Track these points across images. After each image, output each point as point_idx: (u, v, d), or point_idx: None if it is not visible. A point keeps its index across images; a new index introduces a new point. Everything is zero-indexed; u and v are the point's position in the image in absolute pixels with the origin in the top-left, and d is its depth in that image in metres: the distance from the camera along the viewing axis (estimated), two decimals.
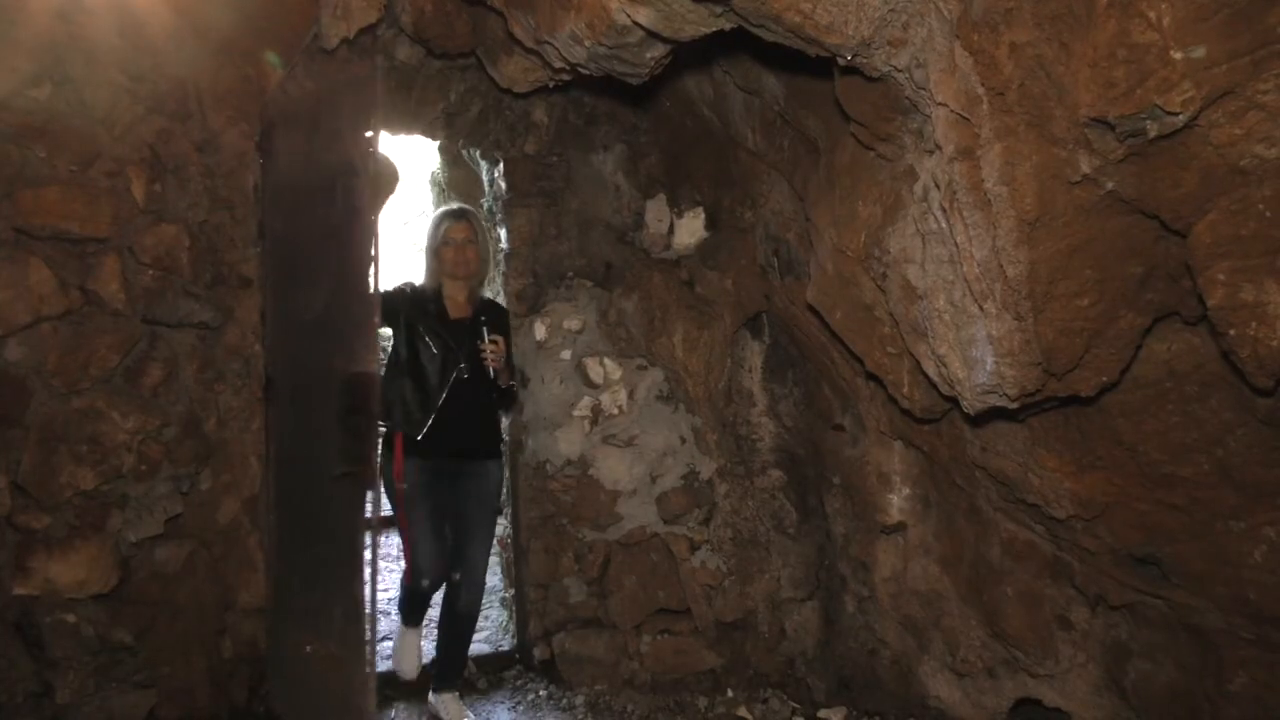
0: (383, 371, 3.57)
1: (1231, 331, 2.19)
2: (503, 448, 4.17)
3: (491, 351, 3.60)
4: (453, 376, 3.62)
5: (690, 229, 4.45)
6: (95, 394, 3.34)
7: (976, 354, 2.68)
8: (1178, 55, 1.94)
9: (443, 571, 3.65)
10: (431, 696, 3.84)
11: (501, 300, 4.44)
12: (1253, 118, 1.97)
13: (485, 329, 3.63)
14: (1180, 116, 2.00)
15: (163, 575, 3.46)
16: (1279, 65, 1.90)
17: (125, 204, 3.42)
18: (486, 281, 3.98)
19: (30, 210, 3.24)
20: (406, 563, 3.66)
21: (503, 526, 4.68)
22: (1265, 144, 1.99)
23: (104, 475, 3.33)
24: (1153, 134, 2.07)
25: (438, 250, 3.76)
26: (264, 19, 3.64)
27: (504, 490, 4.37)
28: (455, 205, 4.00)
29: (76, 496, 3.29)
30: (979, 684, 3.56)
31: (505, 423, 4.42)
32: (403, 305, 3.69)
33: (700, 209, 4.44)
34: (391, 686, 3.95)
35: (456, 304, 3.78)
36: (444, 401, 3.61)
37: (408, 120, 4.15)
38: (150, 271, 3.45)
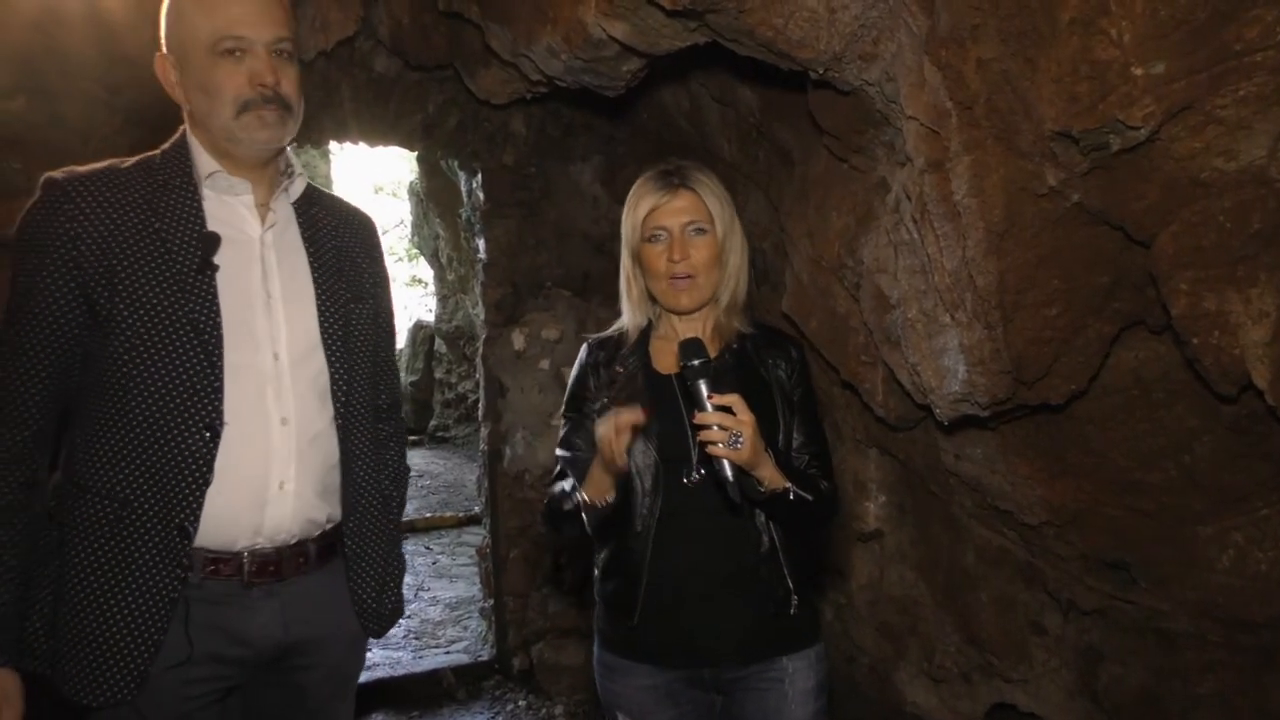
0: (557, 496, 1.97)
1: (1195, 340, 2.23)
2: (813, 620, 2.01)
3: (719, 426, 1.67)
4: (659, 499, 1.86)
5: None
6: None
7: (948, 363, 2.71)
8: (1138, 71, 1.98)
9: None
10: None
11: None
12: (1211, 131, 2.02)
13: (703, 381, 1.70)
14: (1141, 131, 2.04)
15: None
16: (1236, 80, 1.95)
17: None
18: (730, 305, 2.01)
19: (7, 222, 3.21)
20: None
21: (482, 536, 4.68)
22: (1224, 157, 2.04)
23: None
24: (1115, 147, 2.12)
25: (638, 252, 1.96)
26: None
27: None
28: (668, 163, 2.02)
29: None
30: (955, 689, 3.59)
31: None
32: (591, 379, 2.01)
33: None
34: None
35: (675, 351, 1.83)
36: (653, 547, 1.85)
37: (386, 131, 4.16)
38: None
